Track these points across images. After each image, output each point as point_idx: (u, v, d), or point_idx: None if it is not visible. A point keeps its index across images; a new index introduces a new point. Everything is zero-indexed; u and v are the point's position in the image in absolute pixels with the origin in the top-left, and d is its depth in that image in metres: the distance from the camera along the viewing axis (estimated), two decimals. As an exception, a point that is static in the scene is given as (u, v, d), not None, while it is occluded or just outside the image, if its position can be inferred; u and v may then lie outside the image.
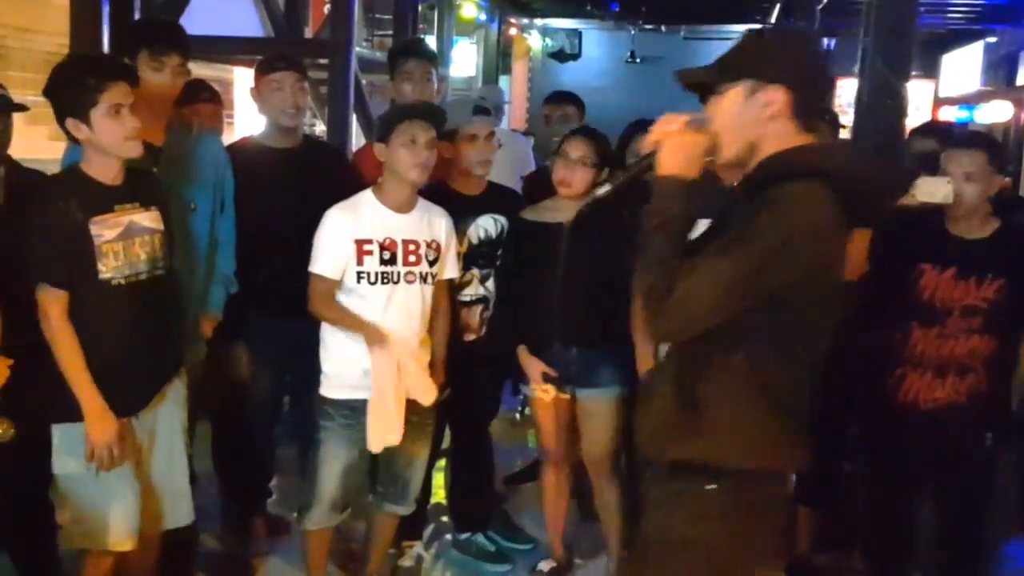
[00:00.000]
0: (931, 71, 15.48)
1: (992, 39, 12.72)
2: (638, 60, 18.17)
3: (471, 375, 3.45)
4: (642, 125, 3.63)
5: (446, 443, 3.81)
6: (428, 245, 3.11)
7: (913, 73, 15.17)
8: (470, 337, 3.51)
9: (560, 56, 18.67)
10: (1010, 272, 2.88)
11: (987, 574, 3.31)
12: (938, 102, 14.86)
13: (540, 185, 3.71)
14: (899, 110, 4.09)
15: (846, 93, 14.16)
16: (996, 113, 12.46)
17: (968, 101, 13.56)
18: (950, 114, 14.19)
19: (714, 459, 1.98)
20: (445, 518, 4.00)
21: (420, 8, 11.38)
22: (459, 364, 3.35)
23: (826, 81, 2.01)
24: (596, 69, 19.43)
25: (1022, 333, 3.02)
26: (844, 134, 4.60)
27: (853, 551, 3.66)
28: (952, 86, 14.63)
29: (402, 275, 3.06)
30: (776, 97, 1.90)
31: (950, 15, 12.08)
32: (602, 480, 3.47)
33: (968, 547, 3.17)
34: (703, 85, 2.02)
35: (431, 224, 3.15)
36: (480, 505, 3.84)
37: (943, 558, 3.22)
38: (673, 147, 1.96)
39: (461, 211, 3.38)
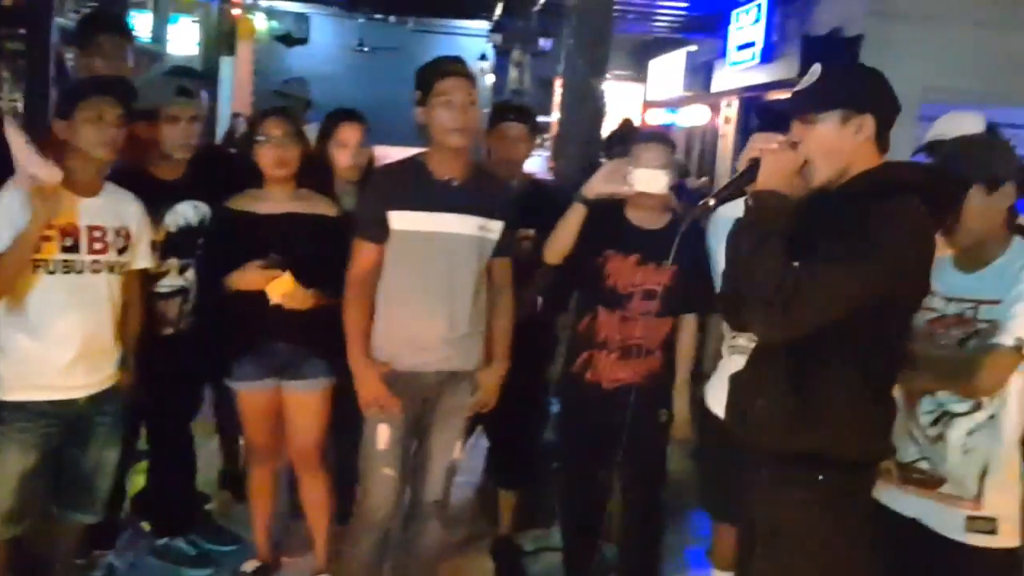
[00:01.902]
0: (640, 75, 16.52)
1: (693, 48, 13.71)
2: (366, 49, 18.11)
3: (170, 371, 3.27)
4: (341, 116, 3.52)
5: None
6: (117, 232, 2.91)
7: (624, 75, 16.09)
8: (168, 331, 3.32)
9: (287, 40, 18.23)
10: (681, 260, 3.11)
11: (663, 542, 3.55)
12: (646, 104, 15.91)
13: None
14: (598, 111, 4.30)
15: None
16: (695, 116, 13.50)
17: (672, 105, 14.62)
18: (656, 116, 15.26)
19: (828, 451, 2.15)
20: (146, 524, 3.77)
21: (131, -21, 10.69)
22: (156, 360, 3.17)
23: (896, 108, 2.21)
24: (325, 55, 19.20)
25: (686, 316, 3.27)
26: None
27: (552, 528, 3.82)
28: (658, 90, 15.68)
29: (87, 264, 2.83)
30: (867, 123, 2.15)
31: (656, 23, 12.92)
32: (309, 474, 3.41)
33: (648, 517, 3.39)
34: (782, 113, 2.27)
35: (120, 209, 2.94)
36: (180, 508, 3.65)
37: (628, 528, 3.43)
38: (774, 164, 2.15)
39: (158, 197, 3.19)
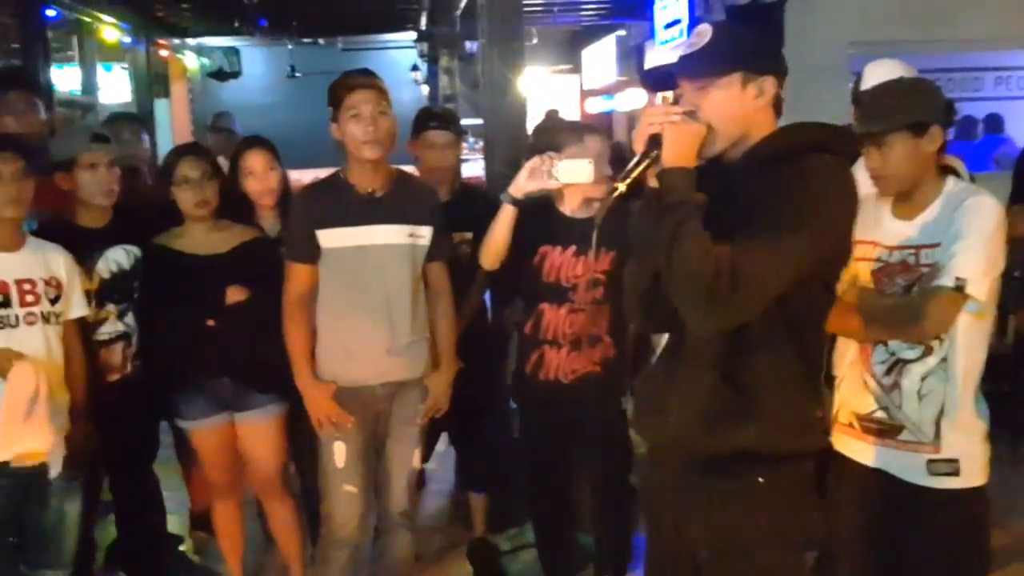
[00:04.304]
0: (575, 66, 16.59)
1: (622, 32, 13.78)
2: (299, 75, 18.03)
3: (123, 417, 3.26)
4: (244, 144, 3.54)
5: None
6: (47, 283, 2.91)
7: (561, 68, 16.06)
8: (114, 377, 3.31)
9: (220, 75, 18.12)
10: (618, 244, 3.13)
11: (636, 527, 3.56)
12: (584, 94, 15.97)
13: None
14: (520, 107, 4.34)
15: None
16: (633, 100, 13.54)
17: (609, 91, 14.67)
18: (595, 104, 15.32)
19: (767, 446, 1.98)
20: (122, 574, 3.74)
21: (54, 33, 10.58)
22: (107, 407, 3.15)
23: (786, 68, 2.05)
24: (260, 86, 19.10)
25: None
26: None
27: (526, 526, 3.83)
28: (594, 78, 15.73)
29: (21, 317, 2.83)
30: (768, 86, 2.00)
31: (583, 12, 12.97)
32: (275, 502, 3.41)
33: (620, 504, 3.40)
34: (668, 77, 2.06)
35: (46, 261, 2.94)
36: (153, 552, 3.63)
37: (601, 518, 3.44)
38: (677, 138, 1.96)
39: (86, 245, 3.19)
